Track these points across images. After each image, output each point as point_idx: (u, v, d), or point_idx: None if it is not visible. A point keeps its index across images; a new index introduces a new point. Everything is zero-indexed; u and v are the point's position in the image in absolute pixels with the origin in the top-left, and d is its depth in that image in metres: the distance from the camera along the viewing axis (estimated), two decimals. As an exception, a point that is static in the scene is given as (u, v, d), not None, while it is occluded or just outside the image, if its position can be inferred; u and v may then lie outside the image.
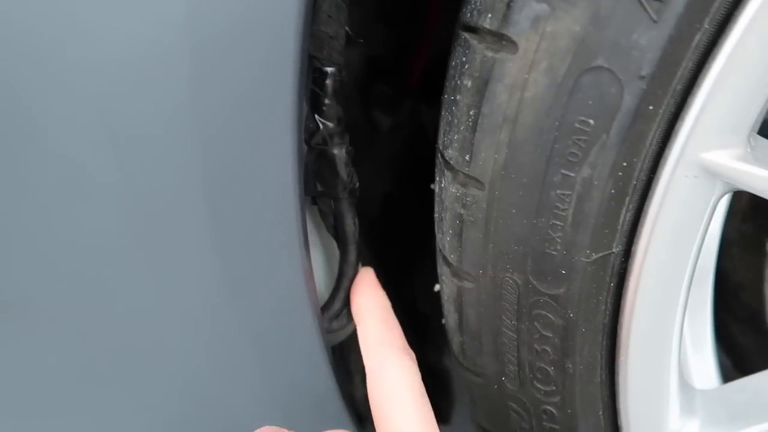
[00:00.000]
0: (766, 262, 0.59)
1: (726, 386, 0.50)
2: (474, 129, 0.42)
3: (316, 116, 0.51)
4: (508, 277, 0.44)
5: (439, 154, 0.48)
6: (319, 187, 0.53)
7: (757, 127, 0.38)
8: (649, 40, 0.34)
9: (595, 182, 0.38)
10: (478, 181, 0.43)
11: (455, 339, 0.52)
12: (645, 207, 0.39)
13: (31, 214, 0.45)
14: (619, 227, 0.40)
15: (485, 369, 0.50)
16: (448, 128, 0.45)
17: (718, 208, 0.41)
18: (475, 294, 0.47)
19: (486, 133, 0.41)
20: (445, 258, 0.49)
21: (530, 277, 0.43)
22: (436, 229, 0.51)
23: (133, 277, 0.48)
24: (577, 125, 0.38)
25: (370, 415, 0.66)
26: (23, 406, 0.52)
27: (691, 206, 0.39)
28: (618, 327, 0.43)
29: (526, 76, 0.38)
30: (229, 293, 0.49)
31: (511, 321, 0.45)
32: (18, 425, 0.53)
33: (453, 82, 0.44)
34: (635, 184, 0.38)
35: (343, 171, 0.52)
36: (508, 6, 0.38)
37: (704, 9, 0.33)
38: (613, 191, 0.38)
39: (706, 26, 0.34)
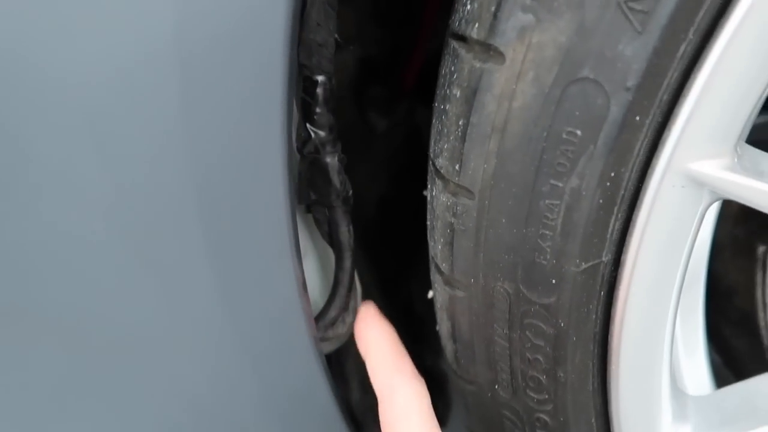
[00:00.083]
0: (757, 266, 0.59)
1: (718, 392, 0.50)
2: (463, 139, 0.42)
3: (308, 125, 0.51)
4: (499, 286, 0.44)
5: (431, 163, 0.48)
6: (313, 196, 0.53)
7: (744, 136, 0.38)
8: (634, 51, 0.34)
9: (584, 192, 0.38)
10: (468, 190, 0.43)
11: (448, 347, 0.52)
12: (634, 216, 0.39)
13: (23, 226, 0.45)
14: (608, 236, 0.40)
15: (478, 377, 0.50)
16: (438, 137, 0.45)
17: (708, 212, 0.41)
18: (466, 302, 0.47)
19: (475, 143, 0.41)
20: (437, 266, 0.49)
21: (521, 286, 0.43)
22: (428, 236, 0.51)
23: (125, 288, 0.48)
24: (564, 135, 0.38)
25: (366, 420, 0.66)
26: (16, 417, 0.53)
27: (680, 215, 0.39)
28: (609, 335, 0.43)
29: (514, 86, 0.38)
30: (222, 304, 0.49)
31: (503, 330, 0.45)
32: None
33: (443, 91, 0.44)
34: (623, 194, 0.39)
35: (336, 179, 0.52)
36: (495, 16, 0.38)
37: (689, 19, 0.33)
38: (601, 201, 0.38)
39: (691, 36, 0.34)
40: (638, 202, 0.38)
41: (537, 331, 0.44)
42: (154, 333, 0.51)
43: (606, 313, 0.43)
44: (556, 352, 0.44)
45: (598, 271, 0.41)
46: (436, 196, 0.47)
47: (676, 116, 0.36)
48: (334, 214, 0.54)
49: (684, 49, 0.34)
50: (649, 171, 0.38)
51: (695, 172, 0.37)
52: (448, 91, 0.43)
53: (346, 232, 0.55)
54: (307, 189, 0.53)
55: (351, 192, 0.54)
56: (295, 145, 0.52)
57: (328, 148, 0.51)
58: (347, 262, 0.55)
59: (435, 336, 0.57)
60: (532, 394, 0.47)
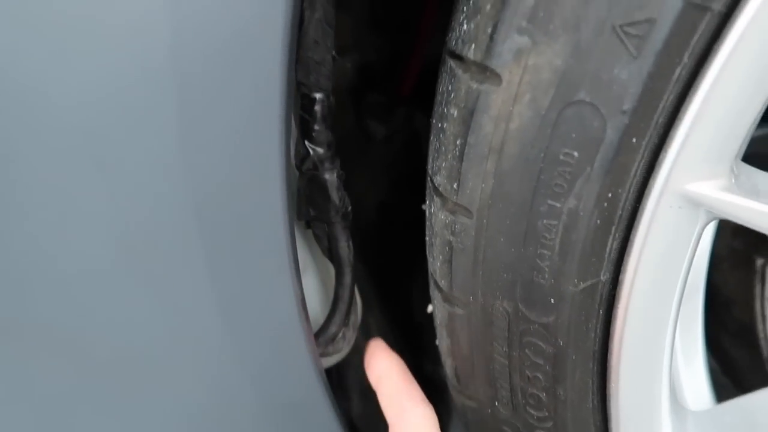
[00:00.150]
0: (756, 279, 0.59)
1: (718, 406, 0.50)
2: (461, 158, 0.42)
3: (306, 142, 0.51)
4: (498, 304, 0.44)
5: (429, 179, 0.48)
6: (312, 212, 0.54)
7: (740, 155, 0.38)
8: (629, 75, 0.34)
9: (581, 213, 0.38)
10: (466, 209, 0.43)
11: (448, 362, 0.52)
12: (631, 236, 0.39)
13: (25, 242, 0.45)
14: (606, 256, 0.40)
15: (478, 394, 0.50)
16: (436, 155, 0.45)
17: (707, 227, 0.41)
18: (466, 320, 0.47)
19: (472, 163, 0.41)
20: (436, 282, 0.49)
21: (520, 305, 0.43)
22: (427, 252, 0.51)
23: (124, 304, 0.48)
24: (561, 157, 0.38)
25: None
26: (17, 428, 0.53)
27: (677, 235, 0.39)
28: (608, 353, 0.43)
29: (511, 108, 0.38)
30: (221, 321, 0.50)
31: (503, 347, 0.46)
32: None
33: (440, 109, 0.44)
34: (621, 214, 0.39)
35: (335, 195, 0.53)
36: (491, 38, 0.38)
37: (684, 43, 0.33)
38: (599, 222, 0.39)
39: (686, 60, 0.34)
40: (635, 222, 0.39)
41: (536, 349, 0.44)
42: (153, 349, 0.51)
43: (605, 331, 0.43)
44: (555, 370, 0.44)
45: (597, 290, 0.41)
46: (435, 213, 0.47)
47: (672, 138, 0.36)
48: (334, 229, 0.54)
49: (679, 72, 0.34)
50: (646, 192, 0.38)
51: (692, 193, 0.37)
52: (445, 110, 0.43)
53: (345, 248, 0.55)
54: (306, 205, 0.53)
55: (350, 208, 0.54)
56: (293, 161, 0.53)
57: (327, 164, 0.52)
58: (347, 278, 0.56)
59: (434, 343, 0.58)
60: (532, 411, 0.47)
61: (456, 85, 0.42)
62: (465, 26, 0.40)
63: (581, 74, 0.35)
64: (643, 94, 0.35)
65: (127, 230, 0.45)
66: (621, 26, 0.33)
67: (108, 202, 0.44)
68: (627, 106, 0.35)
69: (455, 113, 0.42)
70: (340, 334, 0.56)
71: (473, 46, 0.39)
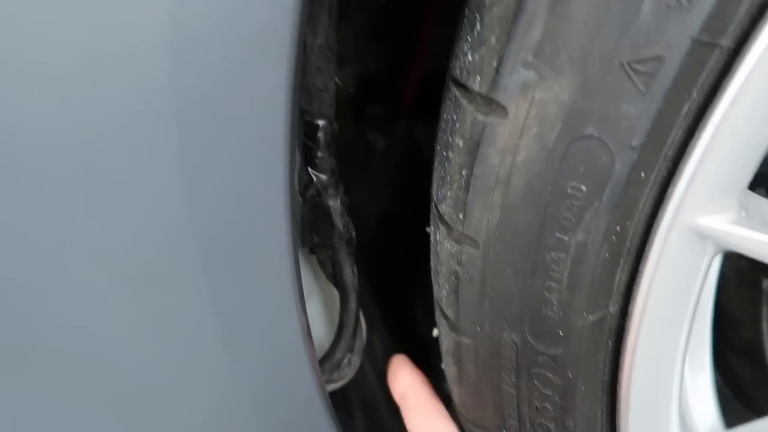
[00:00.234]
0: (763, 299, 0.59)
1: (728, 432, 0.50)
2: (467, 189, 0.42)
3: (309, 168, 0.51)
4: (506, 335, 0.44)
5: (434, 206, 0.47)
6: (316, 238, 0.53)
7: (747, 184, 0.38)
8: (638, 111, 0.34)
9: (590, 246, 0.38)
10: (472, 239, 0.43)
11: (455, 390, 0.52)
12: (640, 268, 0.39)
13: (27, 279, 0.45)
14: (614, 288, 0.40)
15: (486, 422, 0.50)
16: (441, 182, 0.45)
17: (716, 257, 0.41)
18: (473, 349, 0.47)
19: (479, 194, 0.41)
20: (442, 310, 0.49)
21: (528, 337, 0.43)
22: (432, 278, 0.51)
23: (128, 335, 0.48)
24: (569, 191, 0.37)
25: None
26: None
27: (686, 267, 0.39)
28: (617, 383, 0.43)
29: (517, 140, 0.38)
30: (226, 350, 0.49)
31: (511, 378, 0.45)
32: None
33: (445, 137, 0.44)
34: (629, 247, 0.38)
35: (339, 222, 0.52)
36: (497, 71, 0.38)
37: (693, 80, 0.33)
38: (607, 255, 0.38)
39: (695, 96, 0.34)
40: (644, 254, 0.38)
41: (545, 380, 0.44)
42: (158, 379, 0.51)
43: (614, 361, 0.43)
44: (564, 401, 0.44)
45: (605, 322, 0.41)
46: (440, 241, 0.46)
47: (681, 172, 0.35)
48: (338, 255, 0.54)
49: (688, 108, 0.34)
50: (654, 225, 0.37)
51: (701, 226, 0.36)
52: (450, 139, 0.43)
53: (350, 273, 0.55)
54: (310, 232, 0.53)
55: (354, 233, 0.54)
56: (297, 188, 0.52)
57: (331, 191, 0.51)
58: (352, 304, 0.55)
59: (438, 357, 0.57)
60: (541, 441, 0.47)
61: (461, 115, 0.41)
62: (469, 56, 0.40)
63: (589, 109, 0.35)
64: (651, 130, 0.34)
65: (131, 256, 0.44)
66: (629, 63, 0.33)
67: (112, 229, 0.43)
68: (636, 141, 0.35)
69: (461, 143, 0.41)
70: (345, 360, 0.56)
71: (478, 77, 0.39)
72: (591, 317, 0.40)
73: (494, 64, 0.38)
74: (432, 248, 0.49)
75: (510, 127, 0.38)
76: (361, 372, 0.64)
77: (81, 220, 0.43)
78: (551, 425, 0.45)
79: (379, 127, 0.96)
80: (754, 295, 0.60)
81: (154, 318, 0.48)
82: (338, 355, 0.55)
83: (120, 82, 0.39)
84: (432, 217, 0.49)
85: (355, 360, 0.57)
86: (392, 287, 1.01)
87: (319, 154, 0.50)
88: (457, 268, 0.44)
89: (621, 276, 0.39)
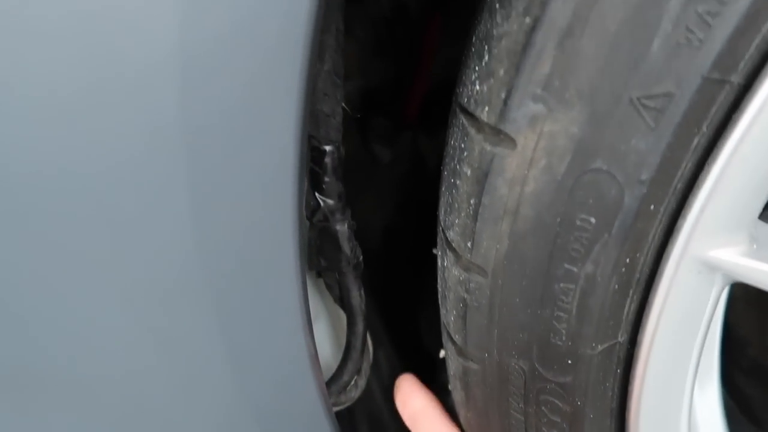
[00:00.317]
0: (772, 321, 0.59)
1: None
2: (475, 218, 0.42)
3: (317, 194, 0.51)
4: (514, 362, 0.44)
5: (441, 231, 0.47)
6: (323, 263, 0.53)
7: (757, 216, 0.38)
8: (647, 146, 0.34)
9: (599, 278, 0.38)
10: (481, 268, 0.43)
11: (462, 413, 0.52)
12: (650, 299, 0.39)
13: (30, 297, 0.45)
14: (623, 318, 0.40)
15: (494, 447, 0.50)
16: (449, 209, 0.45)
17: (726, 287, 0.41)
18: (480, 375, 0.46)
19: (487, 223, 0.41)
20: (449, 335, 0.49)
21: (536, 364, 0.43)
22: (439, 302, 0.51)
23: (136, 359, 0.48)
24: (578, 222, 0.37)
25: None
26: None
27: (696, 298, 0.38)
28: (626, 411, 0.43)
29: (526, 172, 0.38)
30: (233, 374, 0.49)
31: (519, 404, 0.45)
32: None
33: (452, 164, 0.44)
34: (638, 278, 0.38)
35: (346, 246, 0.52)
36: (505, 103, 0.38)
37: (702, 115, 0.33)
38: (617, 286, 0.38)
39: (705, 130, 0.34)
40: (654, 286, 0.38)
41: (553, 407, 0.44)
42: (164, 401, 0.51)
43: (623, 389, 0.43)
44: (572, 428, 0.44)
45: (614, 351, 0.41)
46: (448, 267, 0.46)
47: (691, 205, 0.35)
48: (345, 279, 0.54)
49: (697, 142, 0.34)
50: (664, 257, 0.37)
51: (711, 258, 0.36)
52: (458, 167, 0.43)
53: (357, 297, 0.55)
54: (317, 256, 0.53)
55: (361, 257, 0.54)
56: (304, 213, 0.52)
57: (338, 215, 0.51)
58: (359, 327, 0.55)
59: (443, 371, 0.57)
60: (549, 468, 0.47)
61: (469, 144, 0.41)
62: (477, 86, 0.40)
63: (598, 143, 0.35)
64: (661, 164, 0.34)
65: (139, 278, 0.45)
66: (638, 99, 0.33)
67: (120, 251, 0.43)
68: (645, 175, 0.35)
69: (468, 172, 0.41)
70: (352, 382, 0.56)
71: (487, 108, 0.39)
72: (600, 347, 0.40)
73: (503, 95, 0.38)
74: (439, 273, 0.49)
75: (518, 159, 0.38)
76: (366, 387, 0.64)
77: (91, 245, 0.43)
78: (560, 452, 0.45)
79: (384, 140, 0.96)
80: (762, 316, 0.60)
81: (162, 340, 0.48)
82: (345, 377, 0.55)
83: (131, 104, 0.39)
84: (439, 242, 0.49)
85: (362, 382, 0.57)
86: (397, 300, 1.01)
87: (327, 179, 0.50)
88: (465, 295, 0.44)
89: (630, 306, 0.39)
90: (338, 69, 0.49)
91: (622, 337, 0.40)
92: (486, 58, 0.38)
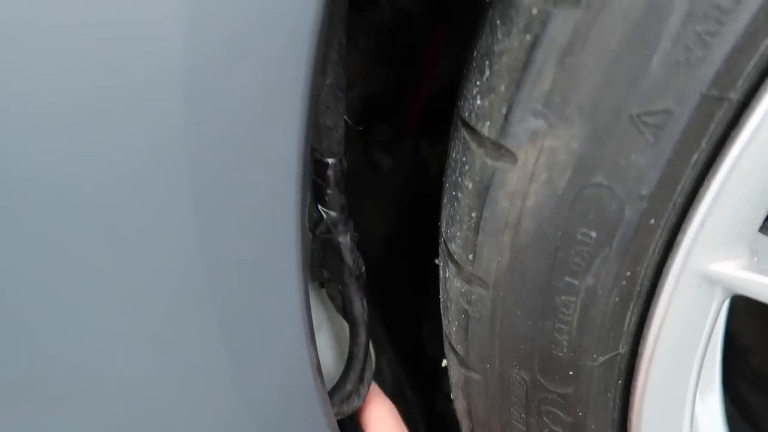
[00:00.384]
0: (774, 331, 0.59)
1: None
2: (476, 230, 0.42)
3: (319, 206, 0.51)
4: (516, 373, 0.44)
5: (443, 243, 0.48)
6: (326, 274, 0.54)
7: (757, 229, 0.38)
8: (647, 161, 0.34)
9: (600, 291, 0.38)
10: (482, 280, 0.43)
11: (464, 423, 0.52)
12: (650, 311, 0.39)
13: (33, 308, 0.45)
14: (624, 330, 0.40)
15: (496, 457, 0.50)
16: (450, 221, 0.45)
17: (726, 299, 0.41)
18: (482, 385, 0.47)
19: (488, 236, 0.41)
20: (451, 345, 0.49)
21: (538, 375, 0.43)
22: (441, 313, 0.51)
23: (138, 372, 0.48)
24: (579, 236, 0.38)
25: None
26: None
27: (696, 310, 0.39)
28: (627, 421, 0.43)
29: (527, 186, 0.38)
30: (235, 386, 0.50)
31: (520, 414, 0.45)
32: None
33: (454, 177, 0.44)
34: (639, 290, 0.39)
35: (348, 258, 0.53)
36: (506, 118, 0.38)
37: (702, 132, 0.33)
38: (617, 299, 0.39)
39: (704, 146, 0.34)
40: (654, 298, 0.39)
41: (555, 418, 0.44)
42: (166, 413, 0.51)
43: (624, 400, 0.43)
44: (574, 439, 0.44)
45: (615, 363, 0.41)
46: (450, 278, 0.47)
47: (691, 219, 0.36)
48: (348, 290, 0.54)
49: (697, 157, 0.34)
50: (664, 270, 0.38)
51: (711, 271, 0.37)
52: (459, 180, 0.43)
53: (360, 308, 0.55)
54: (320, 268, 0.53)
55: (364, 269, 0.55)
56: (307, 225, 0.53)
57: (340, 227, 0.52)
58: (362, 337, 0.56)
59: (446, 379, 0.58)
60: (551, 477, 0.47)
61: (470, 158, 0.42)
62: (478, 101, 0.40)
63: (598, 158, 0.35)
64: (661, 179, 0.35)
65: (142, 290, 0.45)
66: (638, 115, 0.33)
67: (123, 264, 0.44)
68: (645, 190, 0.35)
69: (470, 186, 0.42)
70: (355, 393, 0.56)
71: (488, 123, 0.39)
72: (601, 358, 0.40)
73: (503, 111, 0.38)
74: (441, 284, 0.50)
75: (519, 173, 0.38)
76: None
77: (96, 253, 0.43)
78: (562, 462, 0.46)
79: (386, 147, 0.97)
80: (764, 325, 0.60)
81: (165, 349, 0.48)
82: (348, 387, 0.55)
83: (136, 115, 0.39)
84: (441, 253, 0.49)
85: (365, 391, 0.57)
86: (400, 306, 1.01)
87: (329, 191, 0.51)
88: (467, 306, 0.45)
89: (631, 318, 0.40)
90: (340, 82, 0.49)
91: (623, 349, 0.40)
92: (487, 73, 0.39)
